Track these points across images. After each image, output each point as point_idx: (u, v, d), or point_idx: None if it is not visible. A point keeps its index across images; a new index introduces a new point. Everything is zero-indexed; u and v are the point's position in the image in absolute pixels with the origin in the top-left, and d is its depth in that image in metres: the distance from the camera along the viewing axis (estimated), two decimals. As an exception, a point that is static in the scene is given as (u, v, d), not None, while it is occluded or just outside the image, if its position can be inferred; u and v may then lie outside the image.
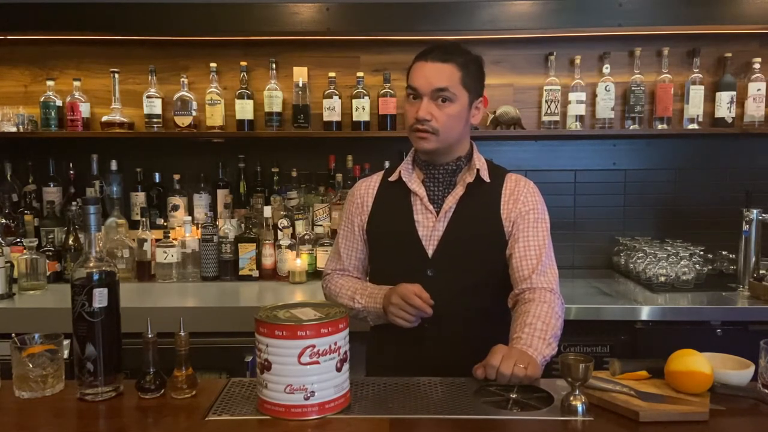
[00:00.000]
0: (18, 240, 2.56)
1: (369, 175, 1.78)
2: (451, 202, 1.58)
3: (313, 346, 1.15)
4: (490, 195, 1.61)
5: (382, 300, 1.53)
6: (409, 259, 1.58)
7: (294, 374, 1.16)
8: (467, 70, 1.55)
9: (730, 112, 2.73)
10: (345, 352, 1.22)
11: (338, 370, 1.20)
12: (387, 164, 2.60)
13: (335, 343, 1.18)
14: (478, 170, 1.60)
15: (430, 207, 1.59)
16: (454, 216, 1.58)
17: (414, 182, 1.62)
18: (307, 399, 1.16)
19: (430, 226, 1.58)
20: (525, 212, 1.59)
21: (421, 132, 1.52)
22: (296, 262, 2.57)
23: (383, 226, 1.65)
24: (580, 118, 2.77)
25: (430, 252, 1.57)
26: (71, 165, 2.84)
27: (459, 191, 1.59)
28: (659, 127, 2.75)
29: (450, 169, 1.61)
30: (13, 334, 1.38)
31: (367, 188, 1.71)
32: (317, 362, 1.16)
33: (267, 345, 1.17)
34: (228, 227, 2.66)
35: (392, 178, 1.66)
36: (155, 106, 2.74)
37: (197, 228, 2.69)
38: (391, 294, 1.49)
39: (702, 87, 2.73)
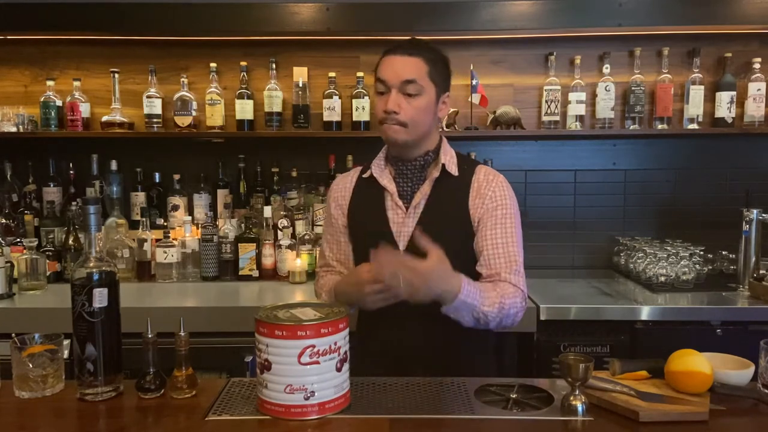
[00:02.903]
0: (18, 240, 2.56)
1: (347, 171, 1.81)
2: (419, 197, 1.60)
3: (313, 346, 1.15)
4: (459, 189, 1.61)
5: (338, 294, 1.58)
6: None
7: (294, 374, 1.15)
8: (434, 64, 1.57)
9: (730, 112, 2.73)
10: (345, 352, 1.22)
11: (338, 370, 1.20)
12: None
13: (335, 343, 1.19)
14: (443, 165, 1.60)
15: (400, 203, 1.61)
16: (423, 211, 1.59)
17: (385, 178, 1.64)
18: (307, 399, 1.16)
19: (400, 222, 1.60)
20: (493, 208, 1.58)
21: (390, 124, 1.54)
22: (296, 262, 2.57)
23: (359, 222, 1.68)
24: (580, 118, 2.77)
25: (401, 247, 1.58)
26: (71, 165, 2.84)
27: (426, 188, 1.60)
28: (659, 127, 2.75)
29: (419, 164, 1.62)
30: (13, 334, 1.38)
31: (344, 184, 1.73)
32: (317, 362, 1.16)
33: (267, 345, 1.17)
34: (228, 227, 2.66)
35: (366, 175, 1.68)
36: (155, 106, 2.74)
37: (197, 228, 2.69)
38: (348, 288, 1.53)
39: (702, 87, 2.73)
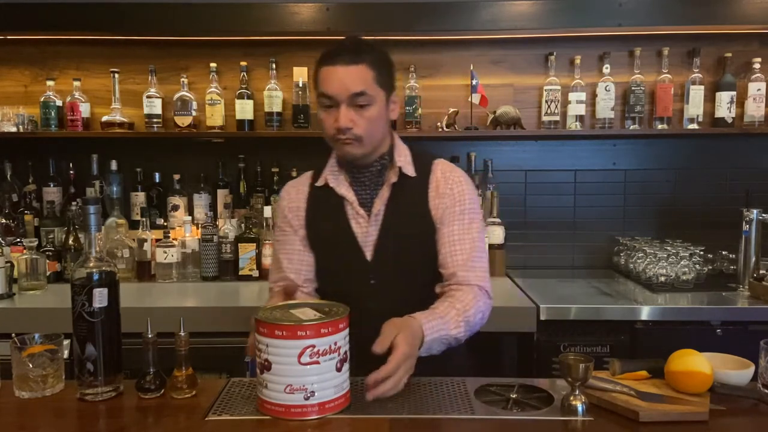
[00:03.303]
0: (18, 240, 2.56)
1: (296, 178, 1.72)
2: (378, 204, 1.54)
3: (313, 346, 1.15)
4: (418, 190, 1.56)
5: None
6: (351, 264, 1.54)
7: (294, 374, 1.15)
8: (379, 67, 1.48)
9: (730, 112, 2.73)
10: (345, 352, 1.22)
11: (338, 370, 1.20)
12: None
13: (335, 343, 1.18)
14: (400, 167, 1.55)
15: (361, 211, 1.55)
16: (385, 218, 1.54)
17: (342, 187, 1.56)
18: (307, 399, 1.16)
19: (364, 231, 1.54)
20: (451, 204, 1.54)
21: (345, 140, 1.46)
22: (296, 262, 2.57)
23: (322, 233, 1.59)
24: (580, 118, 2.77)
25: (368, 257, 1.53)
26: (71, 165, 2.84)
27: (385, 193, 1.55)
28: (659, 127, 2.75)
29: (375, 169, 1.55)
30: (13, 334, 1.38)
31: (297, 193, 1.64)
32: (317, 362, 1.16)
33: (267, 345, 1.17)
34: (228, 227, 2.66)
35: (319, 183, 1.60)
36: (155, 106, 2.74)
37: (197, 228, 2.69)
38: None
39: (702, 87, 2.73)
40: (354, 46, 1.48)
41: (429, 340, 1.33)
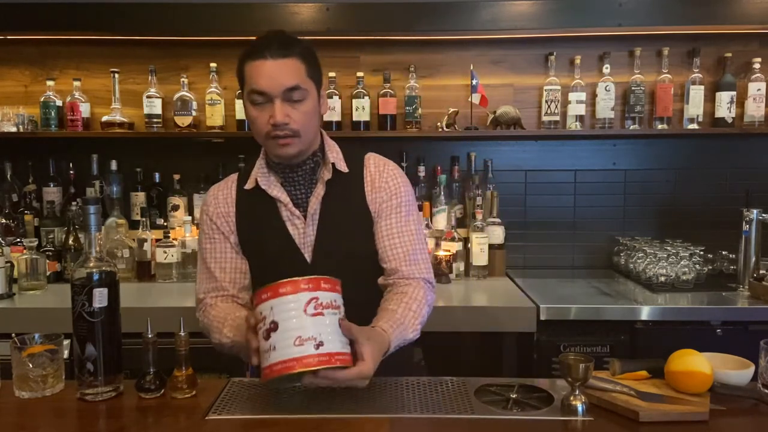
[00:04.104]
0: (18, 240, 2.56)
1: (220, 181, 1.64)
2: (314, 203, 1.49)
3: (317, 299, 1.15)
4: (353, 186, 1.52)
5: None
6: (291, 268, 1.42)
7: (302, 326, 1.13)
8: (309, 60, 1.43)
9: (730, 112, 2.73)
10: (344, 315, 1.20)
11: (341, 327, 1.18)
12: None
13: (335, 301, 1.18)
14: (333, 164, 1.51)
15: (297, 212, 1.50)
16: (321, 217, 1.49)
17: (274, 188, 1.50)
18: (317, 348, 1.13)
19: (301, 233, 1.49)
20: (387, 198, 1.51)
21: (281, 138, 1.41)
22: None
23: (256, 239, 1.52)
24: (580, 118, 2.77)
25: (308, 259, 1.49)
26: (71, 165, 2.84)
27: (320, 191, 1.50)
28: (659, 127, 2.75)
29: (308, 168, 1.50)
30: (13, 334, 1.38)
31: (225, 197, 1.57)
32: (322, 314, 1.15)
33: (272, 307, 1.15)
34: (228, 227, 2.65)
35: (248, 186, 1.53)
36: (155, 106, 2.74)
37: (197, 228, 2.69)
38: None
39: (702, 87, 2.73)
40: (282, 39, 1.42)
41: (392, 350, 1.32)
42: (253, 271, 1.56)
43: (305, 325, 1.14)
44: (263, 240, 1.52)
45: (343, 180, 1.52)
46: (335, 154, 1.53)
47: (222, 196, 1.58)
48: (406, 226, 1.51)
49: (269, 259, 1.52)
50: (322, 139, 1.55)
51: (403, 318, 1.38)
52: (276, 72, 1.38)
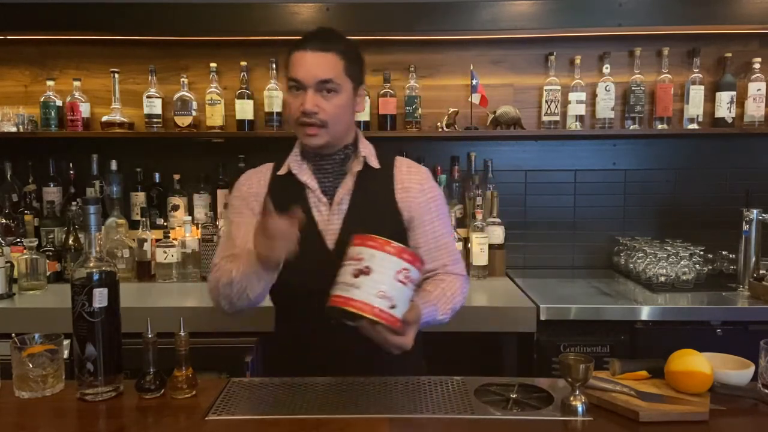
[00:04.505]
0: (18, 240, 2.56)
1: (256, 167, 1.70)
2: (342, 192, 1.55)
3: (408, 270, 1.24)
4: (382, 182, 1.58)
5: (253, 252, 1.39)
6: (311, 253, 1.47)
7: (388, 284, 1.22)
8: (349, 58, 1.51)
9: (730, 112, 2.73)
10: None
11: (409, 301, 1.28)
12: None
13: (417, 278, 1.28)
14: (364, 157, 1.57)
15: (324, 199, 1.55)
16: (349, 207, 1.54)
17: (304, 174, 1.57)
18: (391, 308, 1.22)
19: (325, 220, 1.54)
20: (425, 202, 1.57)
21: (309, 126, 1.48)
22: (296, 262, 2.57)
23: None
24: (580, 118, 2.77)
25: (330, 246, 1.52)
26: (71, 165, 2.84)
27: (349, 181, 1.56)
28: (659, 127, 2.75)
29: (338, 158, 1.57)
30: (13, 334, 1.38)
31: (259, 180, 1.63)
32: (405, 283, 1.24)
33: (373, 255, 1.23)
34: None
35: (281, 172, 1.60)
36: (155, 106, 2.74)
37: (197, 228, 2.69)
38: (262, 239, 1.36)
39: (702, 87, 2.73)
40: (326, 35, 1.51)
41: (421, 324, 1.40)
42: None
43: (393, 285, 1.23)
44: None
45: (373, 175, 1.57)
46: (368, 150, 1.60)
47: (256, 178, 1.65)
48: (446, 229, 1.61)
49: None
50: (357, 135, 1.62)
51: (437, 300, 1.48)
52: (313, 63, 1.46)
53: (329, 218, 1.54)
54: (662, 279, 2.46)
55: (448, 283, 1.55)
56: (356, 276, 1.23)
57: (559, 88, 2.77)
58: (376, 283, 1.22)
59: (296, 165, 1.58)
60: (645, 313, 2.22)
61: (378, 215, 1.54)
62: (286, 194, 1.56)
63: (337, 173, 1.57)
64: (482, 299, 2.41)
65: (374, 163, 1.58)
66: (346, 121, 1.54)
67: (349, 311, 1.21)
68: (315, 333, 1.48)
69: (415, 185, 1.58)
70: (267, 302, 2.34)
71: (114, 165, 2.80)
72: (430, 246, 1.57)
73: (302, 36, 1.51)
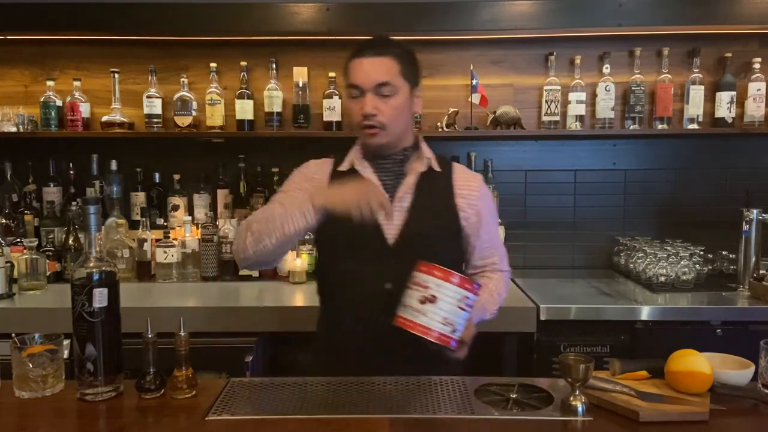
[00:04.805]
0: (18, 240, 2.56)
1: (317, 159, 1.73)
2: (403, 191, 1.59)
3: (468, 298, 1.34)
4: (443, 184, 1.64)
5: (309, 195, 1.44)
6: (370, 248, 1.56)
7: (452, 312, 1.33)
8: (404, 61, 1.57)
9: (730, 112, 2.73)
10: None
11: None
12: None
13: (473, 305, 1.37)
14: (428, 159, 1.63)
15: (386, 195, 1.54)
16: (412, 205, 1.59)
17: (367, 171, 1.62)
18: (452, 333, 1.33)
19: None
20: (482, 207, 1.66)
21: (369, 128, 1.54)
22: (296, 262, 2.57)
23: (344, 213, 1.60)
24: (580, 118, 2.77)
25: (390, 241, 1.56)
26: (71, 165, 2.84)
27: (411, 180, 1.60)
28: (659, 127, 2.75)
29: (398, 159, 1.63)
30: (13, 334, 1.38)
31: (321, 171, 1.68)
32: (465, 310, 1.34)
33: (438, 285, 1.33)
34: (228, 227, 2.66)
35: (343, 168, 1.64)
36: (155, 106, 2.74)
37: (197, 228, 2.69)
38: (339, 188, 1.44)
39: (702, 87, 2.73)
40: (381, 41, 1.59)
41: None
42: (325, 242, 1.65)
43: (455, 312, 1.34)
44: (349, 217, 1.56)
45: (435, 177, 1.64)
46: (430, 153, 1.66)
47: (318, 168, 1.69)
48: (498, 231, 1.78)
49: (348, 231, 1.51)
50: (418, 138, 1.68)
51: (486, 302, 1.62)
52: (370, 68, 1.53)
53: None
54: (662, 279, 2.46)
55: (495, 281, 1.69)
56: (422, 303, 1.33)
57: (559, 88, 2.77)
58: (441, 311, 1.32)
59: (359, 162, 1.63)
60: (645, 313, 2.22)
61: (437, 215, 1.61)
62: None
63: (397, 173, 1.62)
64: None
65: (436, 166, 1.64)
66: (405, 121, 1.59)
67: (414, 334, 1.32)
68: (366, 324, 1.53)
69: (473, 191, 1.65)
70: (267, 302, 2.36)
71: (114, 165, 2.80)
72: (484, 246, 1.68)
73: (359, 44, 1.58)
